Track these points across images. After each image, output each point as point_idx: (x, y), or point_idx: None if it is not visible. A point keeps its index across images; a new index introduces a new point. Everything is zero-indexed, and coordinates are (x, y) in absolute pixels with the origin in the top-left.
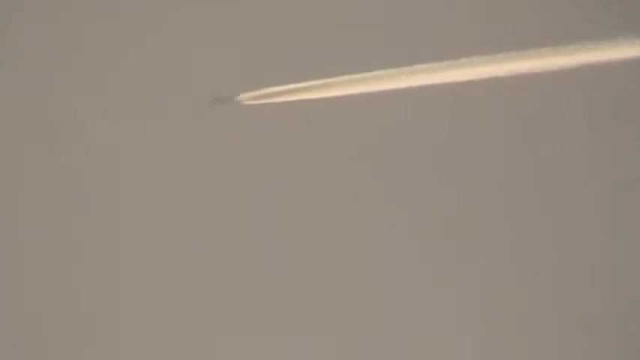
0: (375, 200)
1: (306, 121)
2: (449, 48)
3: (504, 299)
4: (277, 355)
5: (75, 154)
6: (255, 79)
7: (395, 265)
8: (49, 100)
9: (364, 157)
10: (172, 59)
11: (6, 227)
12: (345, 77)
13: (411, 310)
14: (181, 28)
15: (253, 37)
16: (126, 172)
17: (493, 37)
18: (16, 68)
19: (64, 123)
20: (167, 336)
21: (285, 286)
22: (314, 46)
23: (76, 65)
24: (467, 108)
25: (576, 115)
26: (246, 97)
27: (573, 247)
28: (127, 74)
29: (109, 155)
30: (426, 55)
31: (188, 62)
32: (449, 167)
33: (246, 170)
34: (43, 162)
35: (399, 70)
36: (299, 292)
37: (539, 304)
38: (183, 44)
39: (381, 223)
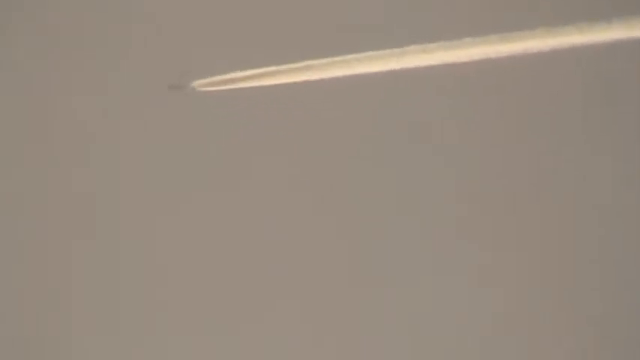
0: (348, 187)
1: (263, 108)
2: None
3: (503, 294)
4: (277, 355)
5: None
6: (210, 66)
7: (388, 256)
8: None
9: (328, 143)
10: (130, 43)
11: (6, 227)
12: (303, 63)
13: (412, 307)
14: (140, 13)
15: (209, 20)
16: (93, 159)
17: (485, 19)
18: (8, 68)
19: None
20: (166, 335)
21: (270, 280)
22: (273, 30)
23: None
24: (455, 91)
25: (572, 97)
26: (202, 84)
27: (571, 238)
28: (84, 61)
29: (78, 142)
30: (403, 38)
31: (145, 47)
32: (439, 152)
33: (207, 158)
34: (31, 154)
35: (357, 55)
36: (288, 287)
37: (541, 302)
38: (143, 29)
39: (362, 211)
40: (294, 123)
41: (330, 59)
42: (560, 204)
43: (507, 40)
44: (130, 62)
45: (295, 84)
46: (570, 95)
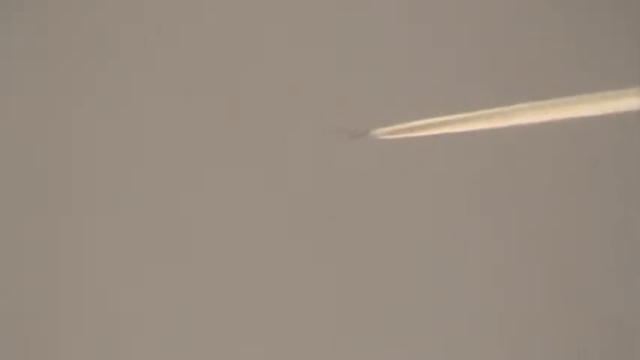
0: (504, 237)
1: (441, 156)
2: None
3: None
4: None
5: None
6: (389, 114)
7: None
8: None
9: (499, 192)
10: (308, 92)
11: (5, 228)
12: (479, 112)
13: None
14: (315, 62)
15: (388, 71)
16: (248, 202)
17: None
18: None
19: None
20: (167, 342)
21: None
22: (449, 82)
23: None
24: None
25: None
26: (382, 132)
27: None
28: (263, 107)
29: (242, 191)
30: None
31: (324, 95)
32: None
33: (381, 202)
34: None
35: (533, 104)
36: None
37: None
38: (319, 78)
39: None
40: (473, 171)
41: (505, 108)
42: (570, 267)
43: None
44: (312, 109)
45: (474, 132)
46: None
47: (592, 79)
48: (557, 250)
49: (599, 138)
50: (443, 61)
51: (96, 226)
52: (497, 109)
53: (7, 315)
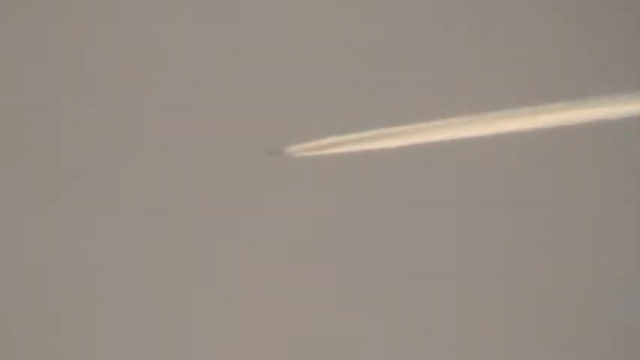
0: (430, 252)
1: (358, 173)
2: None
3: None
4: None
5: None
6: (305, 131)
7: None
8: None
9: (417, 208)
10: (224, 111)
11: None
12: (396, 129)
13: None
14: (234, 81)
15: (306, 89)
16: (175, 222)
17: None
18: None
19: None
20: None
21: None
22: (365, 97)
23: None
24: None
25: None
26: (298, 149)
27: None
28: (180, 125)
29: (160, 207)
30: (461, 108)
31: (241, 114)
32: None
33: (301, 221)
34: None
35: (449, 120)
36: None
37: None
38: (239, 96)
39: (438, 273)
40: (388, 187)
41: (424, 124)
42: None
43: (529, 114)
44: (226, 126)
45: (389, 149)
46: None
47: (592, 83)
48: (546, 259)
49: (598, 143)
50: (396, 70)
51: (95, 227)
52: (434, 123)
53: (8, 315)
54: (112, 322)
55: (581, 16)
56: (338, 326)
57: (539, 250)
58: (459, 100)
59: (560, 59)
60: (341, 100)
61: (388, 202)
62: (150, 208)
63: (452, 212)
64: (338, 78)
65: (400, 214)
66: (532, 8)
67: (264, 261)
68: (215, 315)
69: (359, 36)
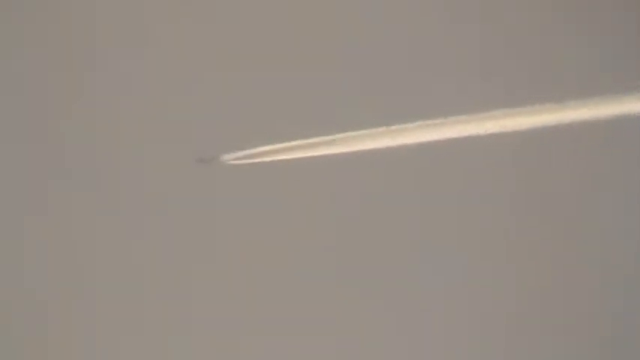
0: (360, 259)
1: (290, 182)
2: (438, 106)
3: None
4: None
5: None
6: (238, 140)
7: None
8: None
9: (349, 217)
10: (159, 116)
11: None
12: (328, 137)
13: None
14: (168, 84)
15: (239, 96)
16: (105, 227)
17: (496, 93)
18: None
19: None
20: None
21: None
22: (297, 106)
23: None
24: (465, 164)
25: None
26: (230, 158)
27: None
28: (111, 127)
29: (90, 212)
30: (415, 113)
31: (173, 120)
32: (437, 226)
33: (230, 230)
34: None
35: (380, 129)
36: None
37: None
38: (171, 101)
39: (368, 282)
40: (318, 196)
41: (354, 133)
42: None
43: (521, 114)
44: (159, 134)
45: (320, 157)
46: (581, 168)
47: (592, 83)
48: (542, 261)
49: (598, 142)
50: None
51: (95, 227)
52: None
53: (8, 315)
54: (95, 325)
55: (581, 16)
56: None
57: (538, 251)
58: (452, 101)
59: (561, 59)
60: (275, 108)
61: (322, 212)
62: (84, 211)
63: (409, 218)
64: (272, 85)
65: (336, 223)
66: (531, 7)
67: (195, 268)
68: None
69: (307, 39)
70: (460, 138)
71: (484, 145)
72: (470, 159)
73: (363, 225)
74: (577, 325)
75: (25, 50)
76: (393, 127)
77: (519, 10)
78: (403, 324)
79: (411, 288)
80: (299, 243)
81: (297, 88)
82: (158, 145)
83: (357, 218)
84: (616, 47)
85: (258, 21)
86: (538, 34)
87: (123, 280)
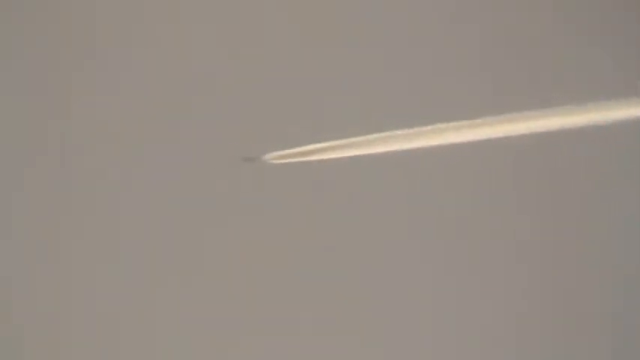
0: (399, 260)
1: (333, 180)
2: (466, 108)
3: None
4: None
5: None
6: (283, 138)
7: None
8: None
9: (390, 217)
10: (202, 117)
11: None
12: (371, 136)
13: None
14: (212, 87)
15: (282, 96)
16: (151, 225)
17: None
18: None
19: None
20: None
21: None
22: (341, 106)
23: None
24: (483, 168)
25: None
26: (275, 156)
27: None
28: (156, 130)
29: (135, 208)
30: (446, 115)
31: (218, 120)
32: (473, 228)
33: (273, 228)
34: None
35: (421, 129)
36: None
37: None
38: (215, 102)
39: (407, 282)
40: (362, 195)
41: (401, 131)
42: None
43: (522, 119)
44: (205, 133)
45: (364, 156)
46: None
47: (590, 88)
48: (544, 265)
49: (597, 147)
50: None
51: (140, 227)
52: (426, 128)
53: (8, 315)
54: (102, 326)
55: (580, 21)
56: (310, 342)
57: (537, 255)
58: (451, 106)
59: (561, 63)
60: (323, 106)
61: (366, 210)
62: (126, 212)
63: (436, 218)
64: (321, 84)
65: (377, 221)
66: (531, 11)
67: (237, 266)
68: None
69: (343, 43)
70: (463, 143)
71: (491, 149)
72: (475, 163)
73: (405, 224)
74: (577, 325)
75: (27, 50)
76: (436, 126)
77: (523, 18)
78: (410, 326)
79: (419, 289)
80: (342, 241)
81: (343, 87)
82: (204, 144)
83: (398, 217)
84: (619, 50)
85: (304, 20)
86: (541, 39)
87: (173, 279)
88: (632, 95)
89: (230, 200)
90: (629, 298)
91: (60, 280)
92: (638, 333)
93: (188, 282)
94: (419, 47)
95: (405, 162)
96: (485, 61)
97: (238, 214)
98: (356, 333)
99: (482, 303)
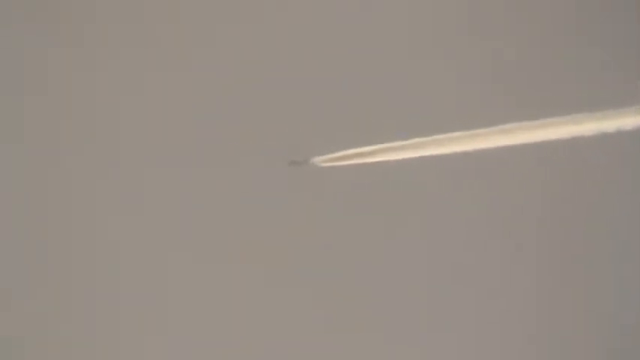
0: (449, 262)
1: (381, 184)
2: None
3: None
4: None
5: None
6: (329, 142)
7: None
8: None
9: (436, 219)
10: (250, 120)
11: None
12: (417, 140)
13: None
14: (257, 89)
15: (330, 99)
16: (199, 228)
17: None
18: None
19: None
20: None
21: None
22: (388, 109)
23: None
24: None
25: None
26: (321, 160)
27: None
28: (203, 134)
29: (183, 213)
30: (455, 124)
31: (265, 124)
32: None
33: (323, 232)
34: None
35: (469, 132)
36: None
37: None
38: (261, 106)
39: (457, 286)
40: (413, 198)
41: (446, 135)
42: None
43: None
44: (252, 136)
45: (412, 159)
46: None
47: (590, 98)
48: (548, 273)
49: (595, 157)
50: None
51: (95, 228)
52: (455, 134)
53: (8, 315)
54: (113, 323)
55: (582, 29)
56: (352, 339)
57: (539, 261)
58: (475, 113)
59: (563, 73)
60: (366, 111)
61: (410, 214)
62: (168, 216)
63: (472, 224)
64: (361, 88)
65: (420, 225)
66: (533, 21)
67: (284, 270)
68: (232, 324)
69: (383, 49)
70: (471, 151)
71: (506, 157)
72: (479, 170)
73: (454, 228)
74: (578, 327)
75: (27, 50)
76: (483, 130)
77: (521, 24)
78: (420, 329)
79: (426, 292)
80: (390, 243)
81: (389, 90)
82: (250, 148)
83: (447, 221)
84: (621, 59)
85: (352, 25)
86: (541, 47)
87: (212, 280)
88: (633, 103)
89: (276, 204)
90: (629, 303)
91: (61, 281)
92: (637, 334)
93: (234, 289)
94: (455, 57)
95: (452, 165)
96: (504, 70)
97: (285, 217)
98: (376, 332)
99: (487, 308)
